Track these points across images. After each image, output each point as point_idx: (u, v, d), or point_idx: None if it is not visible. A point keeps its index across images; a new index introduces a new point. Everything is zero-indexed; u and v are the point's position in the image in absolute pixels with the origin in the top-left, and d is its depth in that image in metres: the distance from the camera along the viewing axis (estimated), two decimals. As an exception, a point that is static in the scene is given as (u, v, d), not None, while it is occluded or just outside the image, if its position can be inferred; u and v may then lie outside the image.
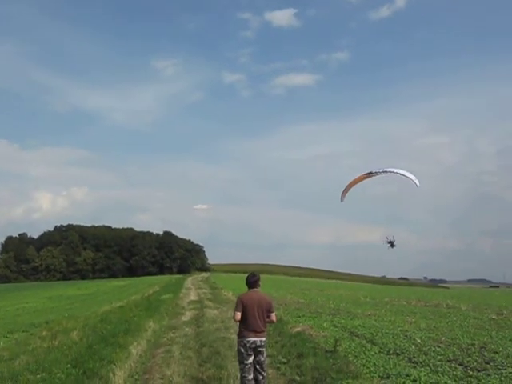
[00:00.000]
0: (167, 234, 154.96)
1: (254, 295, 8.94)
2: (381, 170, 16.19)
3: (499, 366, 11.59)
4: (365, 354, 12.93)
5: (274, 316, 9.08)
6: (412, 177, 15.97)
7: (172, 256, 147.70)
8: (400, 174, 15.93)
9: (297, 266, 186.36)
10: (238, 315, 8.80)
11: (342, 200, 17.27)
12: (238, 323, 8.92)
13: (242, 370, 8.80)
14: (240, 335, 8.85)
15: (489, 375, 10.65)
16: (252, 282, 9.07)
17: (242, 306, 8.79)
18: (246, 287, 9.17)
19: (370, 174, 16.40)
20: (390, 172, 16.16)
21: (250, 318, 8.74)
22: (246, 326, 8.75)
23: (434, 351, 13.43)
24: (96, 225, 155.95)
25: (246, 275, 9.33)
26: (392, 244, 17.30)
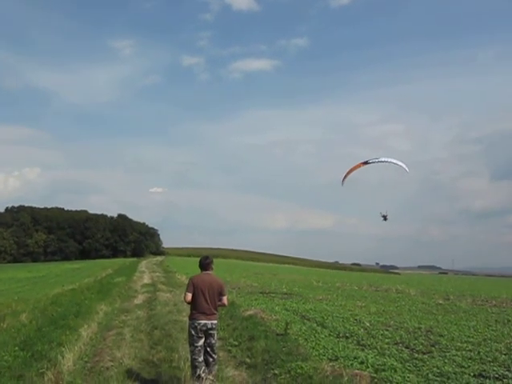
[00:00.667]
0: (121, 216, 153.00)
1: (206, 277, 8.92)
2: (376, 160, 18.16)
3: (444, 349, 11.93)
4: (315, 336, 13.11)
5: (225, 299, 9.09)
6: (402, 164, 18.03)
7: (126, 239, 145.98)
8: (393, 163, 18.01)
9: (251, 250, 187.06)
10: (189, 296, 8.77)
11: (342, 184, 19.12)
12: (190, 306, 8.90)
13: (193, 352, 8.79)
14: (191, 317, 8.84)
15: (433, 357, 10.95)
16: (205, 264, 9.05)
17: (193, 287, 8.76)
18: (199, 270, 9.16)
19: (366, 163, 18.34)
20: (384, 161, 18.18)
21: (201, 300, 8.72)
22: (197, 308, 8.73)
23: (382, 334, 13.73)
24: (49, 206, 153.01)
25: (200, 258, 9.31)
26: (385, 218, 19.35)
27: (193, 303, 8.78)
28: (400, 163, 17.98)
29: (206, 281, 8.84)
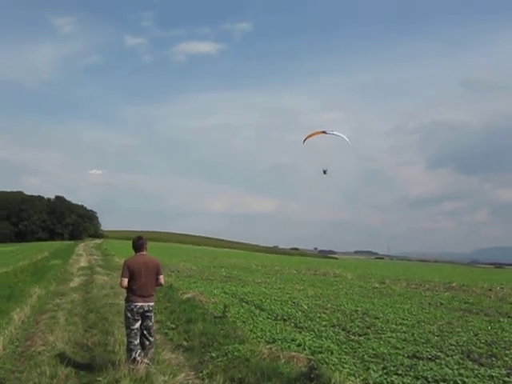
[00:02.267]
0: (59, 198, 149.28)
1: (141, 259, 8.70)
2: (332, 132, 20.82)
3: (379, 331, 12.15)
4: (253, 319, 13.10)
5: (162, 278, 8.90)
6: (346, 138, 21.09)
7: (63, 222, 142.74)
8: (343, 138, 20.94)
9: (191, 234, 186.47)
10: (125, 281, 8.54)
11: (303, 142, 21.30)
12: (126, 288, 8.69)
13: (129, 335, 8.60)
14: (127, 300, 8.62)
15: (369, 339, 11.12)
16: (138, 244, 8.81)
17: (129, 270, 8.53)
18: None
19: (324, 132, 20.91)
20: (337, 135, 20.87)
21: (138, 282, 8.51)
22: (134, 290, 8.52)
23: (319, 317, 13.85)
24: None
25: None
26: (325, 172, 21.39)
27: (129, 286, 8.56)
28: (345, 137, 21.09)
29: (141, 262, 8.62)
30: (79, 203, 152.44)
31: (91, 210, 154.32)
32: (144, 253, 8.85)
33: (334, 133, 20.79)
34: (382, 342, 10.76)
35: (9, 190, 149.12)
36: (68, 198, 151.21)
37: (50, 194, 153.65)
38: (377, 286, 25.02)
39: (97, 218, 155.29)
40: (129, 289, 8.58)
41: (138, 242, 8.87)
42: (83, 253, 55.77)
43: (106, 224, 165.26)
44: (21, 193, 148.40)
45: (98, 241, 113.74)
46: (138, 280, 8.51)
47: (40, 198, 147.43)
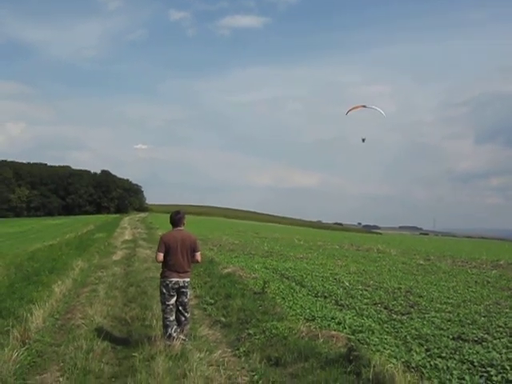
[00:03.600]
0: (105, 172, 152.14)
1: (177, 234, 8.55)
2: (371, 106, 23.49)
3: (423, 310, 11.76)
4: (293, 296, 12.89)
5: (198, 255, 8.74)
6: (383, 112, 23.68)
7: (109, 195, 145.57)
8: (379, 111, 23.62)
9: (236, 208, 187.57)
10: (161, 256, 8.42)
11: (346, 113, 23.53)
12: (162, 264, 8.57)
13: (164, 311, 8.52)
14: (162, 275, 8.51)
15: (412, 319, 10.77)
16: (176, 219, 8.67)
17: (165, 245, 8.40)
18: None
19: (364, 106, 23.35)
20: (375, 109, 23.51)
21: (173, 257, 8.38)
22: (169, 266, 8.40)
23: (361, 295, 13.53)
24: (31, 162, 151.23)
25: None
26: (363, 140, 24.57)
27: (164, 261, 8.45)
28: (383, 112, 23.75)
29: (178, 237, 8.48)
30: (125, 177, 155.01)
31: (136, 184, 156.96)
32: (181, 228, 8.70)
33: (373, 107, 23.57)
34: (425, 322, 10.40)
35: (57, 165, 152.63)
36: (114, 173, 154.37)
37: (96, 168, 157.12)
38: (421, 262, 24.45)
39: (142, 191, 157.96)
40: (164, 264, 8.47)
41: (176, 217, 8.73)
42: (128, 226, 56.60)
43: (151, 198, 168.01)
44: (68, 167, 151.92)
45: (142, 214, 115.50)
46: (174, 255, 8.37)
47: (86, 172, 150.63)
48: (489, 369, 7.29)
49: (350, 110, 23.19)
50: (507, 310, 12.12)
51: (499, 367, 7.31)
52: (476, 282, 17.72)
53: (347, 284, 15.26)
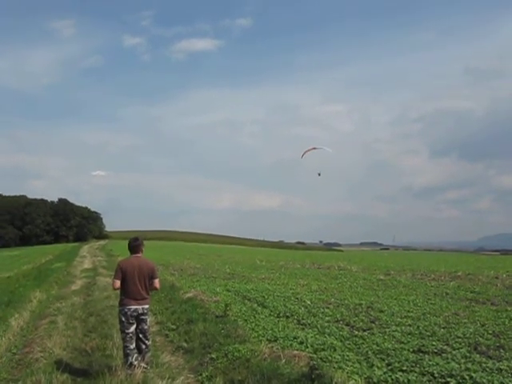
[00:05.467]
0: (62, 201, 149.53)
1: (135, 261, 8.47)
2: (321, 147, 26.54)
3: (384, 325, 11.90)
4: (255, 317, 12.86)
5: (157, 282, 8.65)
6: (330, 150, 27.78)
7: (68, 224, 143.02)
8: (327, 150, 27.10)
9: (196, 231, 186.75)
10: (117, 283, 8.31)
11: (301, 156, 26.09)
12: (119, 291, 8.47)
13: (124, 340, 8.38)
14: (121, 303, 8.40)
15: (373, 334, 10.88)
16: (133, 246, 8.59)
17: (122, 273, 8.31)
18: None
19: (314, 148, 25.89)
20: (324, 149, 26.70)
21: (131, 285, 8.28)
22: (127, 293, 8.29)
23: (322, 312, 13.60)
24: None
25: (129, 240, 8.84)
26: (319, 174, 27.61)
27: (122, 289, 8.34)
28: (329, 150, 28.07)
29: (136, 264, 8.39)
30: (83, 205, 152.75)
31: (95, 212, 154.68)
32: (139, 255, 8.62)
33: (322, 147, 26.88)
34: (386, 337, 10.51)
35: (12, 195, 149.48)
36: (72, 201, 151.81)
37: (54, 197, 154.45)
38: (382, 277, 24.76)
39: (101, 219, 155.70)
40: (122, 291, 8.36)
41: (134, 244, 8.65)
42: (87, 254, 55.67)
43: (111, 225, 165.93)
44: (24, 197, 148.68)
45: (102, 242, 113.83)
46: (131, 282, 8.28)
47: (43, 201, 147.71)
48: (449, 379, 7.43)
49: (303, 154, 25.97)
50: (465, 321, 12.39)
51: (459, 377, 7.45)
52: (435, 294, 18.05)
53: (309, 303, 15.31)
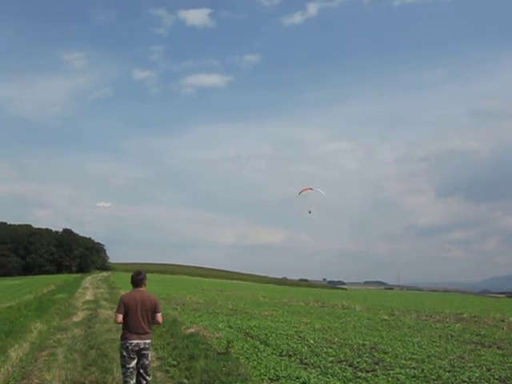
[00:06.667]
0: (66, 231, 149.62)
1: (138, 295, 8.42)
2: (316, 189, 28.92)
3: (387, 367, 11.72)
4: (257, 355, 12.71)
5: (159, 317, 8.58)
6: (323, 193, 29.56)
7: (71, 254, 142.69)
8: (321, 192, 29.20)
9: (199, 266, 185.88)
10: (120, 317, 8.26)
11: (299, 194, 28.60)
12: (122, 325, 8.39)
13: (124, 375, 8.28)
14: (122, 337, 8.32)
15: (377, 376, 10.71)
16: (136, 280, 8.55)
17: (124, 306, 8.25)
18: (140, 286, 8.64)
19: (311, 188, 28.11)
20: (319, 191, 28.93)
21: (133, 319, 8.22)
22: (129, 327, 8.23)
23: (325, 352, 13.42)
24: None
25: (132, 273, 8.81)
26: (310, 212, 30.69)
27: (124, 323, 8.28)
28: (323, 192, 29.96)
29: (138, 298, 8.34)
30: (87, 236, 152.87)
31: (99, 243, 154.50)
32: (142, 289, 8.58)
33: (317, 189, 29.33)
34: (390, 379, 10.35)
35: (17, 224, 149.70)
36: (76, 231, 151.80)
37: (58, 226, 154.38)
38: (386, 317, 24.48)
39: (104, 250, 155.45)
40: (124, 325, 8.29)
41: (137, 278, 8.62)
42: (89, 286, 55.41)
43: (114, 256, 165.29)
44: (29, 226, 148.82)
45: (105, 273, 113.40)
46: (134, 317, 8.21)
47: (48, 230, 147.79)
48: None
49: (300, 192, 28.38)
50: (471, 364, 12.19)
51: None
52: (440, 336, 17.81)
53: (312, 342, 15.13)
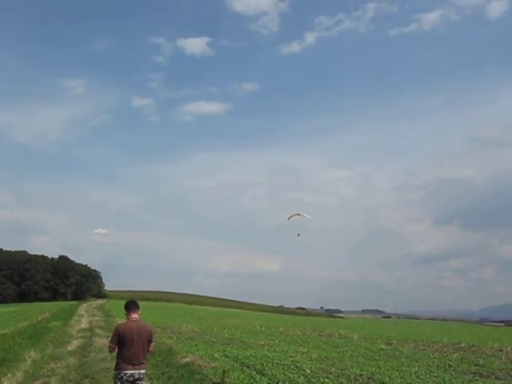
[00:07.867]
0: (62, 258, 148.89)
1: (133, 325, 8.36)
2: (303, 214, 31.04)
3: (385, 398, 11.60)
4: (253, 386, 12.58)
5: (152, 346, 8.56)
6: (310, 217, 32.67)
7: (67, 281, 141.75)
8: (308, 217, 31.72)
9: (196, 294, 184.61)
10: (114, 348, 8.20)
11: (288, 219, 31.07)
12: (116, 355, 8.31)
13: (118, 405, 8.18)
14: (117, 367, 8.24)
15: (374, 407, 10.60)
16: (131, 309, 8.51)
17: (119, 337, 8.19)
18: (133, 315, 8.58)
19: (299, 214, 30.55)
20: (305, 216, 31.17)
21: (129, 349, 8.15)
22: (124, 357, 8.15)
23: (322, 382, 13.29)
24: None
25: (126, 301, 8.75)
26: (298, 235, 33.34)
27: (119, 352, 8.21)
28: (310, 217, 33.11)
29: (135, 329, 8.28)
30: (83, 263, 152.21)
31: (95, 270, 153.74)
32: (137, 318, 8.52)
33: (304, 215, 31.86)
34: (387, 410, 10.23)
35: (13, 250, 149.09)
36: (73, 258, 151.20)
37: (55, 253, 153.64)
38: (383, 347, 24.27)
39: (100, 277, 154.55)
40: (119, 355, 8.22)
41: (131, 307, 8.57)
42: (85, 313, 54.98)
43: (111, 283, 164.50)
44: (25, 252, 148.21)
45: (101, 301, 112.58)
46: (130, 347, 8.15)
47: (43, 257, 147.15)
48: None
49: (289, 218, 30.68)
50: (469, 396, 12.06)
51: None
52: (438, 366, 17.64)
53: (309, 372, 14.97)
